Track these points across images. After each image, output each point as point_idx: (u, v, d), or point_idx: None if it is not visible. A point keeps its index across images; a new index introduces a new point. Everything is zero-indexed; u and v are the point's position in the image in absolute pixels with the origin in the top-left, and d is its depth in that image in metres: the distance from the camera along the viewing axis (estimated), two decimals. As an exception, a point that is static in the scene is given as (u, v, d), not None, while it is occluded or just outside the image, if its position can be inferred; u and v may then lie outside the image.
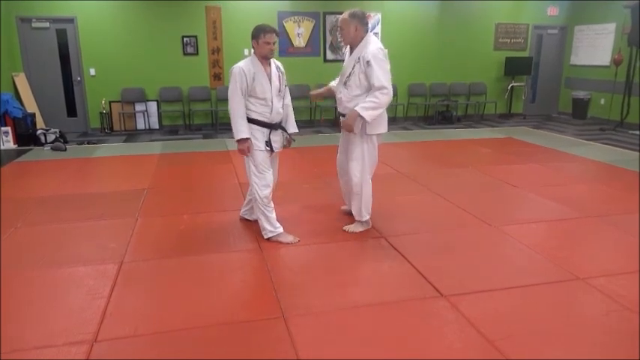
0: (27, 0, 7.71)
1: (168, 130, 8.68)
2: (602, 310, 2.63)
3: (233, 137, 3.37)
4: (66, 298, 2.76)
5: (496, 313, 2.60)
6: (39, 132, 7.15)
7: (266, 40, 3.27)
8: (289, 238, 3.51)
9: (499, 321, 2.52)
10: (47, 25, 7.95)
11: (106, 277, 2.99)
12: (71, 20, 7.98)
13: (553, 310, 2.63)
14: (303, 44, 9.00)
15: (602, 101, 9.39)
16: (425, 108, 9.81)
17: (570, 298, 2.78)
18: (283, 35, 8.81)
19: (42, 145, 7.02)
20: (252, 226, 3.84)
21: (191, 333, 2.41)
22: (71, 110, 8.46)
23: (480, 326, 2.44)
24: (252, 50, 3.37)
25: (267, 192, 3.44)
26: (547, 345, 2.31)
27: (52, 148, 6.87)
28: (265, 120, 3.40)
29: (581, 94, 9.74)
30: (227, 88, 3.37)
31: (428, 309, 2.64)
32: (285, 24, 8.79)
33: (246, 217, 3.93)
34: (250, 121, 3.35)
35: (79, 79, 8.29)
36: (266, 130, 3.42)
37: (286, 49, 8.89)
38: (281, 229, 3.53)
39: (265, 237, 3.52)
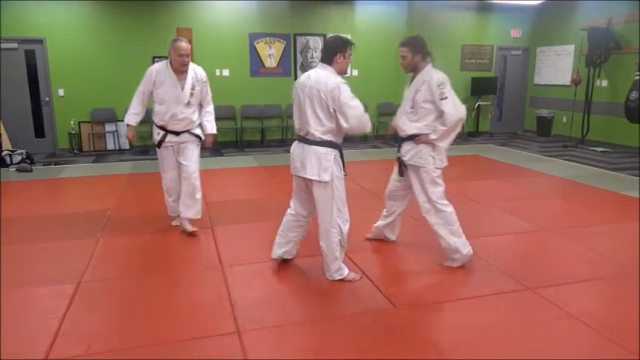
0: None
1: (139, 150, 8.63)
2: (549, 318, 2.73)
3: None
4: (20, 318, 2.72)
5: (448, 324, 2.68)
6: (4, 153, 7.05)
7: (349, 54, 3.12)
8: (352, 275, 3.21)
9: (450, 331, 2.60)
10: (15, 45, 7.90)
11: (63, 296, 2.96)
12: (40, 41, 7.95)
13: (503, 320, 2.72)
14: (274, 65, 9.14)
15: (564, 119, 9.73)
16: (395, 127, 9.98)
17: (520, 308, 2.87)
18: (255, 56, 8.95)
19: (7, 166, 6.92)
20: (213, 245, 3.86)
21: (145, 350, 2.41)
22: (39, 131, 8.36)
23: (431, 337, 2.51)
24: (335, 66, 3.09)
25: (348, 226, 3.15)
26: (496, 353, 2.39)
27: (17, 170, 6.77)
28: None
29: (544, 112, 10.09)
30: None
31: (382, 321, 2.70)
32: (256, 45, 8.93)
33: (285, 257, 3.43)
34: (333, 145, 3.06)
35: (47, 99, 8.22)
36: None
37: (258, 70, 9.02)
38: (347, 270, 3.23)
39: (331, 278, 3.16)
